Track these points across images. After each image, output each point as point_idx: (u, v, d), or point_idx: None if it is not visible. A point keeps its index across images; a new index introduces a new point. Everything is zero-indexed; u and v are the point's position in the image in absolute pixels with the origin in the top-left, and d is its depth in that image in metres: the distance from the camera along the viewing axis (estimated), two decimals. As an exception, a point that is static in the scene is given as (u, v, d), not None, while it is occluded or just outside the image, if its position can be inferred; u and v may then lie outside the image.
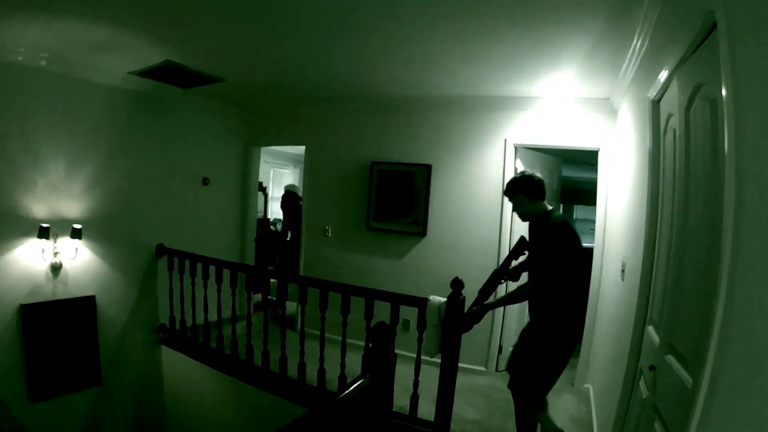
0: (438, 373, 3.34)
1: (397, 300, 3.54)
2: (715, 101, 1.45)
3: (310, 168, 5.95)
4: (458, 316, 3.19)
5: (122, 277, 5.07)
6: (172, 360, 5.27)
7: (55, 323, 4.46)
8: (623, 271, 3.16)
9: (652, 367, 2.05)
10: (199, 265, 4.77)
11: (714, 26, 1.42)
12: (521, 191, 3.06)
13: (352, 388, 2.03)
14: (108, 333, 4.95)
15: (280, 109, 6.14)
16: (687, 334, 1.65)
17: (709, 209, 1.52)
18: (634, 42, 2.95)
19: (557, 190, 5.62)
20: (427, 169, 5.10)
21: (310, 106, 5.79)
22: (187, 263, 4.91)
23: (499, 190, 4.72)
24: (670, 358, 1.81)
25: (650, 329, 2.30)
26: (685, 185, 1.85)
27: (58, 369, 4.50)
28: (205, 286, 4.73)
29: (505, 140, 4.76)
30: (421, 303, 3.40)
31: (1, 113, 4.00)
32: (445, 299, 3.27)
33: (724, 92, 1.25)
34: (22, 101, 4.12)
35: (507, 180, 4.44)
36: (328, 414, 1.86)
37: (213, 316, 4.74)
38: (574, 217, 10.08)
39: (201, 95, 5.55)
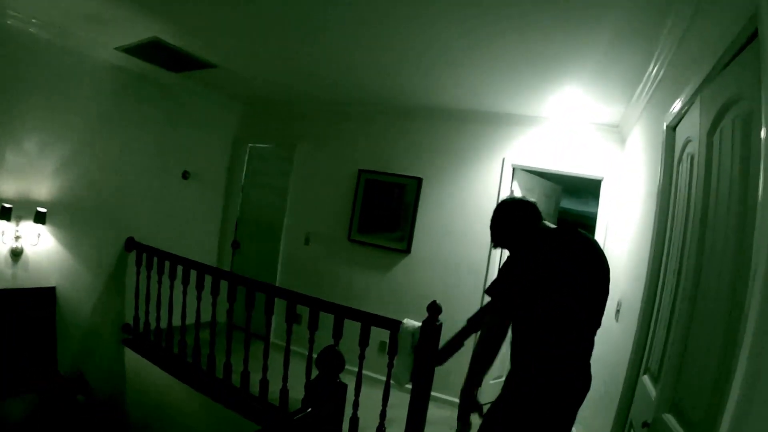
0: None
1: (369, 320, 3.24)
2: (749, 118, 1.28)
3: (297, 171, 5.69)
4: (430, 349, 2.89)
5: (88, 269, 4.75)
6: (135, 364, 4.93)
7: (10, 314, 4.15)
8: (618, 310, 2.89)
9: (645, 424, 1.81)
10: (167, 264, 4.48)
11: (754, 34, 1.27)
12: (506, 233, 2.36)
13: (293, 418, 1.74)
14: (70, 329, 4.64)
15: (272, 107, 5.94)
16: (694, 392, 1.45)
17: (731, 248, 1.32)
18: (651, 68, 2.78)
19: (554, 218, 5.35)
20: (418, 182, 4.83)
21: (302, 105, 5.59)
22: (155, 260, 4.62)
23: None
24: (669, 417, 1.60)
25: (646, 379, 2.06)
26: (701, 218, 1.62)
27: (6, 365, 4.16)
28: (171, 287, 4.45)
29: (503, 159, 4.51)
30: (393, 326, 3.11)
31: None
32: (419, 324, 2.98)
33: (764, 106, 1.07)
34: (2, 64, 3.84)
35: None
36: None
37: (178, 321, 4.43)
38: None
39: (193, 81, 5.31)
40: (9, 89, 3.92)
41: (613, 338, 2.90)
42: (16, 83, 3.95)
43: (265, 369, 3.74)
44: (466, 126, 4.68)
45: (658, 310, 2.10)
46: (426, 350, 2.92)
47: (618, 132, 4.14)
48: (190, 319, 4.37)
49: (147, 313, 4.76)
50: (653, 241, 2.25)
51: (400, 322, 3.06)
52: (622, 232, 3.40)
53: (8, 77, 3.91)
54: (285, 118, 5.87)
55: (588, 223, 8.33)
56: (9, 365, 4.12)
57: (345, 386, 2.18)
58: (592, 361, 2.08)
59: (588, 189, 6.39)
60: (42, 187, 4.28)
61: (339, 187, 5.36)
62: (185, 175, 5.64)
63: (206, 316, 4.24)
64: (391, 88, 4.38)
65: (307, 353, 3.47)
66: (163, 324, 4.64)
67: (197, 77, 5.11)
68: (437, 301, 2.97)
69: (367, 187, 5.11)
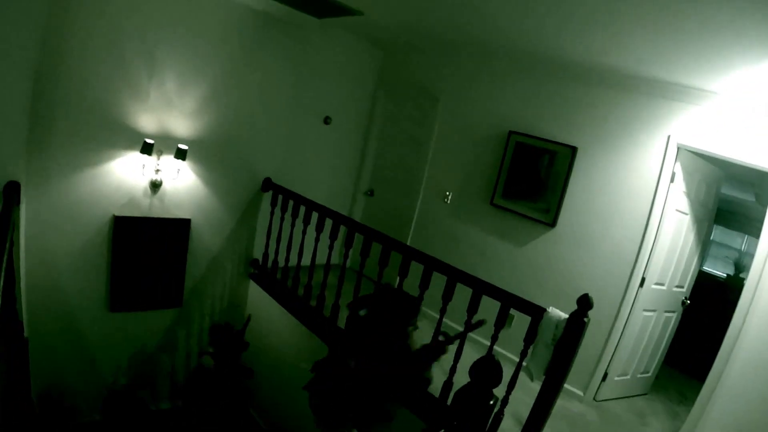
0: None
1: (509, 301, 3.03)
2: None
3: (440, 124, 5.42)
4: (573, 346, 2.68)
5: (222, 205, 4.93)
6: (258, 297, 5.18)
7: (146, 239, 4.44)
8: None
9: None
10: (302, 208, 4.53)
11: None
12: None
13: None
14: (199, 258, 4.92)
15: (416, 56, 5.63)
16: None
17: None
18: None
19: (713, 209, 4.80)
20: (573, 151, 4.38)
21: (449, 55, 5.24)
22: (290, 203, 4.70)
23: (651, 195, 4.02)
24: None
25: None
26: None
27: (142, 284, 4.54)
28: (304, 232, 4.53)
29: (668, 137, 3.97)
30: (537, 312, 2.87)
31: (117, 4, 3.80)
32: (566, 316, 2.72)
33: None
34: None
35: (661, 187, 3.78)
36: None
37: (307, 262, 4.54)
38: (711, 237, 8.94)
39: (336, 26, 5.18)
40: (148, 20, 3.97)
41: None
42: (153, 15, 3.98)
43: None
44: (628, 95, 4.16)
45: None
46: (568, 347, 2.68)
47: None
48: (320, 260, 4.44)
49: (277, 252, 4.91)
50: None
51: (544, 310, 2.84)
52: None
53: (149, 8, 3.96)
54: (428, 67, 5.56)
55: (736, 209, 7.51)
56: (138, 284, 4.51)
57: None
58: None
59: (750, 176, 5.68)
60: (183, 125, 4.42)
61: (485, 147, 5.03)
62: (327, 120, 5.62)
63: (335, 260, 4.31)
64: (546, 43, 3.92)
65: (437, 320, 3.41)
66: (292, 263, 4.76)
67: (339, 23, 4.97)
68: (589, 295, 2.63)
69: (516, 149, 4.74)
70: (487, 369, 2.02)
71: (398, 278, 3.61)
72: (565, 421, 3.89)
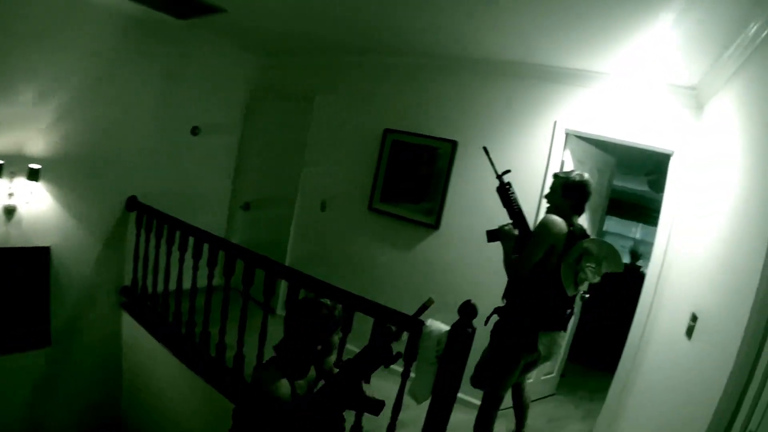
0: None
1: (384, 316, 2.66)
2: None
3: (314, 128, 5.10)
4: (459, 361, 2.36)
5: (86, 228, 4.47)
6: (132, 329, 4.63)
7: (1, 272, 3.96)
8: (692, 326, 2.27)
9: None
10: (165, 227, 4.09)
11: None
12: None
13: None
14: (65, 290, 4.42)
15: (289, 60, 5.40)
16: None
17: None
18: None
19: (606, 197, 4.69)
20: (453, 145, 4.15)
21: (322, 55, 4.99)
22: (155, 223, 4.24)
23: (539, 186, 3.80)
24: None
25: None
26: None
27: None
28: (169, 253, 4.08)
29: (555, 123, 3.80)
30: (414, 326, 2.50)
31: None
32: (447, 328, 2.40)
33: None
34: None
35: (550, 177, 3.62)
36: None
37: (178, 284, 4.05)
38: (604, 228, 9.14)
39: (202, 30, 4.82)
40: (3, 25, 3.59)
41: (684, 361, 2.31)
42: (9, 20, 3.61)
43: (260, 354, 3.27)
44: (512, 81, 3.97)
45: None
46: (454, 362, 2.36)
47: (694, 96, 3.37)
48: (199, 283, 3.95)
49: (145, 277, 4.45)
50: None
51: (422, 324, 2.47)
52: (700, 225, 2.75)
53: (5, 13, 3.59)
54: (303, 70, 5.31)
55: (630, 200, 7.63)
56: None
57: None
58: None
59: (643, 164, 5.68)
60: (38, 142, 4.05)
61: (361, 148, 4.75)
62: (194, 131, 5.18)
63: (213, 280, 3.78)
64: (422, 34, 3.76)
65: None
66: (160, 288, 4.33)
67: (206, 26, 4.65)
68: (472, 301, 2.35)
69: (393, 148, 4.48)
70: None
71: (264, 298, 3.18)
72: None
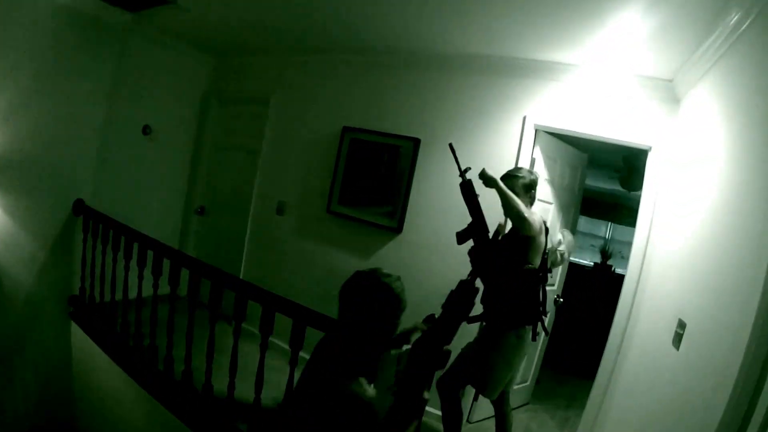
0: None
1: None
2: None
3: (270, 128, 4.90)
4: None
5: (29, 234, 4.15)
6: (82, 341, 4.31)
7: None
8: (679, 333, 2.08)
9: None
10: (111, 233, 3.85)
11: None
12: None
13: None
14: (7, 301, 4.10)
15: (246, 59, 5.21)
16: None
17: None
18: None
19: (578, 194, 4.50)
20: (415, 144, 3.94)
21: (279, 53, 4.80)
22: (102, 229, 3.99)
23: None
24: None
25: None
26: None
27: None
28: (115, 260, 3.83)
29: (524, 118, 3.61)
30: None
31: None
32: (407, 347, 2.09)
33: None
34: None
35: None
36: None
37: (132, 294, 3.78)
38: (577, 228, 9.09)
39: (154, 27, 4.64)
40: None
41: (670, 369, 2.12)
42: None
43: (209, 370, 3.03)
44: (479, 77, 3.78)
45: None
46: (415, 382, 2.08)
47: (670, 89, 3.20)
48: (146, 292, 3.63)
49: (92, 286, 4.20)
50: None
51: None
52: (680, 224, 2.57)
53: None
54: (260, 69, 5.11)
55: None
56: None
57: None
58: None
59: (615, 162, 5.53)
60: None
61: (319, 148, 4.53)
62: (146, 130, 4.94)
63: (164, 290, 3.49)
64: (383, 28, 3.60)
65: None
66: (107, 298, 4.04)
67: (157, 22, 4.46)
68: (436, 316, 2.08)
69: (352, 147, 4.26)
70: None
71: (209, 313, 2.93)
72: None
